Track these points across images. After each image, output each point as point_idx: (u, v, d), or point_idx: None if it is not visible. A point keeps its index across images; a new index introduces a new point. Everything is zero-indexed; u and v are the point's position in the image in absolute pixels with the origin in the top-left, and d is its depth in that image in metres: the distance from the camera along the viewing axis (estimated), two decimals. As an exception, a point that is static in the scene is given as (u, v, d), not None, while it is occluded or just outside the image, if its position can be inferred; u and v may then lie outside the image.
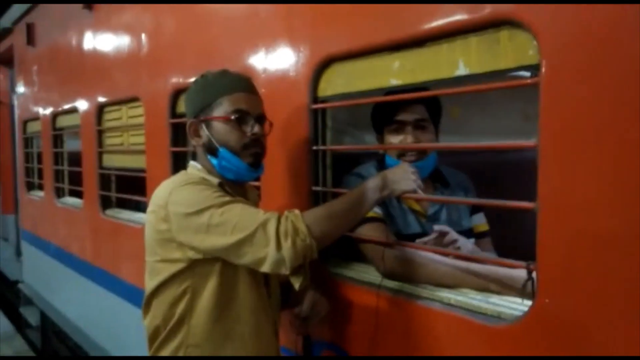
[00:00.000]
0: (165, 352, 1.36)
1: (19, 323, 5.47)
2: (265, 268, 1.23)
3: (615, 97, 0.92)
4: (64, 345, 4.72)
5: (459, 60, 1.21)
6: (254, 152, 1.38)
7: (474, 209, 1.75)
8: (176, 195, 1.30)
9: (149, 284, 1.38)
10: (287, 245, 1.20)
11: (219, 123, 1.37)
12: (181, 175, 1.41)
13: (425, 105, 1.58)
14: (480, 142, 2.24)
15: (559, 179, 1.01)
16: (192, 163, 1.47)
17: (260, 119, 1.40)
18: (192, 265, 1.31)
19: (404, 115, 1.56)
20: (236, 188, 1.42)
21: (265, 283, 1.43)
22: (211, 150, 1.38)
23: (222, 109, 1.36)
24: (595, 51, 0.94)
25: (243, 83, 1.42)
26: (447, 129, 1.75)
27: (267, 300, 1.44)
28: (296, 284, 1.27)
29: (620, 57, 0.91)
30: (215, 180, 1.37)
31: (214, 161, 1.38)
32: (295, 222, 1.23)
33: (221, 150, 1.36)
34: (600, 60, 0.94)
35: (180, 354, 1.34)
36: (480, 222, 1.75)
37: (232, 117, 1.35)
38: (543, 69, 1.02)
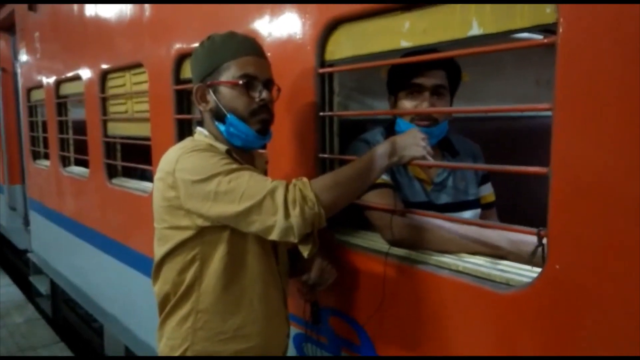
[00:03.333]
0: (176, 318, 1.37)
1: (30, 292, 5.54)
2: (273, 236, 1.22)
3: (633, 59, 0.88)
4: (74, 313, 4.81)
5: (473, 20, 1.16)
6: (262, 118, 1.35)
7: (483, 180, 1.72)
8: (183, 162, 1.28)
9: (158, 251, 1.38)
10: (295, 213, 1.19)
11: (226, 88, 1.33)
12: (188, 142, 1.38)
13: (446, 70, 1.52)
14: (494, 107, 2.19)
15: (573, 142, 0.97)
16: (198, 129, 1.44)
17: (269, 83, 1.37)
18: (201, 233, 1.31)
19: (423, 79, 1.50)
20: (244, 155, 1.40)
21: (273, 251, 1.42)
22: (218, 116, 1.36)
23: (230, 73, 1.32)
24: (615, 10, 0.90)
25: (251, 46, 1.37)
26: (458, 94, 1.70)
27: (276, 268, 1.44)
28: (305, 252, 1.27)
29: (641, 16, 0.87)
30: (222, 147, 1.35)
31: (222, 127, 1.36)
32: (304, 190, 1.21)
33: (229, 116, 1.33)
34: (619, 20, 0.89)
35: (191, 319, 1.35)
36: (488, 192, 1.73)
37: (240, 82, 1.31)
38: (561, 29, 0.97)
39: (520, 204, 1.47)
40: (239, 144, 1.37)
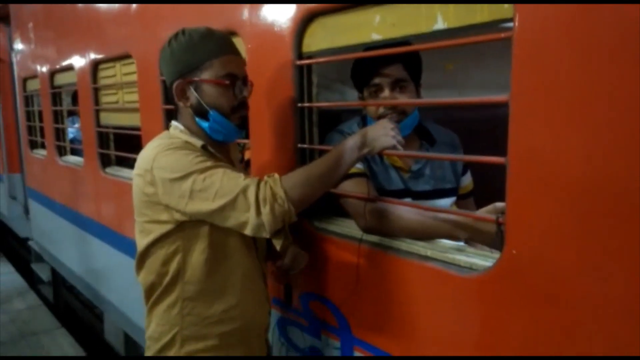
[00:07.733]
0: (163, 305, 1.44)
1: (32, 279, 5.64)
2: (247, 231, 1.30)
3: (587, 52, 0.92)
4: (76, 298, 4.90)
5: (438, 15, 1.20)
6: (242, 114, 1.42)
7: (464, 170, 1.76)
8: (160, 160, 1.33)
9: (140, 243, 1.45)
10: (265, 211, 1.26)
11: (209, 86, 1.38)
12: (164, 139, 1.42)
13: (404, 63, 1.54)
14: (477, 96, 2.22)
15: (528, 133, 1.02)
16: (174, 124, 1.48)
17: (245, 80, 1.44)
18: (181, 227, 1.37)
19: (381, 77, 1.54)
20: (220, 148, 1.47)
21: (252, 239, 1.49)
22: (200, 112, 1.40)
23: (213, 71, 1.37)
24: (567, 7, 0.93)
25: (230, 45, 1.43)
26: (442, 84, 1.73)
27: (255, 254, 1.51)
28: (277, 245, 1.36)
29: (593, 12, 0.90)
30: (198, 143, 1.41)
31: (204, 124, 1.41)
32: (274, 187, 1.29)
33: (212, 113, 1.38)
34: (572, 16, 0.93)
35: (177, 307, 1.43)
36: (467, 182, 1.77)
37: (227, 82, 1.37)
38: (516, 23, 1.01)
39: (494, 192, 1.51)
40: (220, 138, 1.44)
